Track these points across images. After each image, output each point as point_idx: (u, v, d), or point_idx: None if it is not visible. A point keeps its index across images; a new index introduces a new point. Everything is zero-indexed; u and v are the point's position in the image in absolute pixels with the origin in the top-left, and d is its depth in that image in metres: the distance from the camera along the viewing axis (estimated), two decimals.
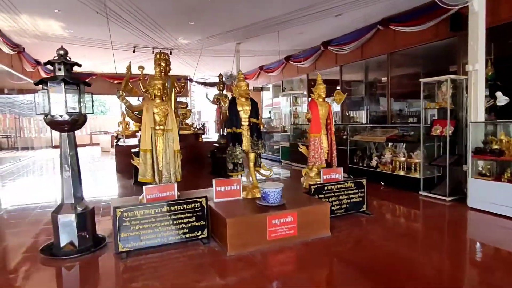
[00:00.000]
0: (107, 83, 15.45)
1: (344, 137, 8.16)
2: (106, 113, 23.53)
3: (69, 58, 3.87)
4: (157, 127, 4.33)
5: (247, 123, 4.74)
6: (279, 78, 14.06)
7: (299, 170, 9.34)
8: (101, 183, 8.06)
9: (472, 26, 5.66)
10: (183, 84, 9.99)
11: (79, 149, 4.06)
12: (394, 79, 9.56)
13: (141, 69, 9.58)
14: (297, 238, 4.05)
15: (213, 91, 18.96)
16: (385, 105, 10.44)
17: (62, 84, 3.70)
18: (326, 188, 4.80)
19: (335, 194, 4.86)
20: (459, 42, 7.63)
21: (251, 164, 4.80)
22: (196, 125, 10.76)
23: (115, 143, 8.73)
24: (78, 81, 3.80)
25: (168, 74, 10.13)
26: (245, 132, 4.72)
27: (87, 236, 3.86)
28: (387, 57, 9.49)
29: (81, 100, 3.87)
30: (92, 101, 4.09)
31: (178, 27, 9.67)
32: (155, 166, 4.29)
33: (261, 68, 14.73)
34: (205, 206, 4.09)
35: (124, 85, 4.61)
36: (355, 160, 7.74)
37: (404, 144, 7.10)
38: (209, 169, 8.49)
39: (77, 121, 3.82)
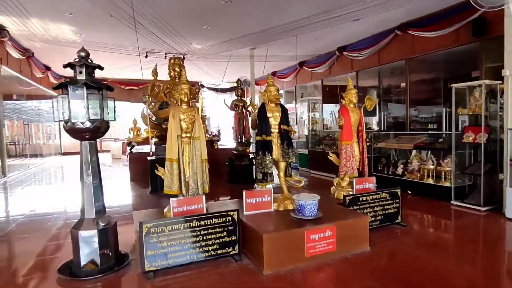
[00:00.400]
0: (117, 89, 15.16)
1: (368, 144, 7.80)
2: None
3: (91, 60, 3.56)
4: (183, 135, 4.01)
5: (277, 130, 4.41)
6: (292, 84, 13.74)
7: (319, 178, 8.99)
8: (115, 192, 7.70)
9: (508, 29, 5.35)
10: (197, 90, 9.70)
11: None
12: (412, 84, 9.24)
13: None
14: (336, 254, 3.71)
15: (225, 96, 18.68)
16: (396, 111, 10.15)
17: (84, 89, 3.37)
18: (361, 199, 4.45)
19: (370, 205, 4.51)
20: (481, 47, 7.33)
21: (281, 173, 4.46)
22: (211, 132, 10.43)
23: (128, 151, 8.40)
24: (100, 85, 3.49)
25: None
26: (275, 139, 4.39)
27: (110, 254, 3.52)
28: (405, 63, 9.17)
29: (104, 106, 3.54)
30: (114, 107, 3.76)
31: (192, 31, 9.38)
32: (182, 177, 3.95)
33: (273, 74, 14.40)
34: (236, 220, 3.74)
35: (150, 90, 4.27)
36: (379, 168, 7.38)
37: (429, 151, 6.76)
38: (226, 178, 8.13)
39: (99, 128, 3.49)
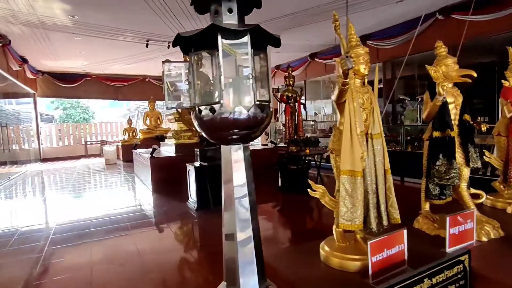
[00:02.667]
0: (103, 85, 12.78)
1: None
2: (90, 121, 20.30)
3: None
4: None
5: (457, 123, 2.84)
6: (301, 78, 12.08)
7: None
8: (137, 205, 5.72)
9: None
10: None
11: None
12: None
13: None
14: None
15: None
16: None
17: (249, 42, 1.61)
18: None
19: None
20: None
21: (464, 185, 2.89)
22: None
23: (149, 155, 6.43)
24: (270, 38, 1.73)
25: (200, 69, 8.00)
26: (455, 136, 2.82)
27: None
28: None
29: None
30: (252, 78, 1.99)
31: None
32: (370, 200, 2.27)
33: (277, 67, 12.73)
34: (468, 268, 2.13)
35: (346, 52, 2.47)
36: None
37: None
38: (273, 184, 6.34)
39: (263, 121, 1.74)
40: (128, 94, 13.34)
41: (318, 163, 5.95)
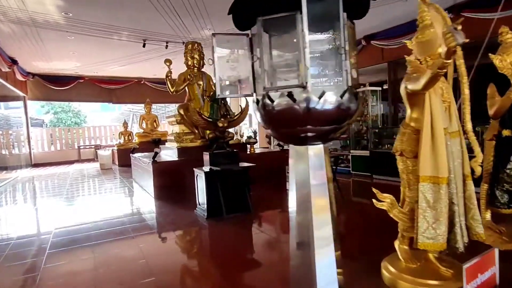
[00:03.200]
0: (96, 88, 12.16)
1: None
2: (81, 125, 19.51)
3: None
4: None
5: None
6: None
7: (389, 184, 6.61)
8: (148, 218, 5.18)
9: None
10: None
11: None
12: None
13: (167, 63, 6.99)
14: None
15: None
16: None
17: (340, 2, 1.16)
18: None
19: None
20: None
21: None
22: (242, 132, 8.14)
23: (151, 160, 5.91)
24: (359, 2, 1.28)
25: (202, 69, 7.53)
26: None
27: None
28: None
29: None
30: None
31: (214, 7, 6.85)
32: (456, 214, 1.83)
33: None
34: None
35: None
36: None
37: None
38: (281, 188, 5.87)
39: (354, 112, 1.29)
40: (122, 97, 12.77)
41: (334, 167, 5.51)
